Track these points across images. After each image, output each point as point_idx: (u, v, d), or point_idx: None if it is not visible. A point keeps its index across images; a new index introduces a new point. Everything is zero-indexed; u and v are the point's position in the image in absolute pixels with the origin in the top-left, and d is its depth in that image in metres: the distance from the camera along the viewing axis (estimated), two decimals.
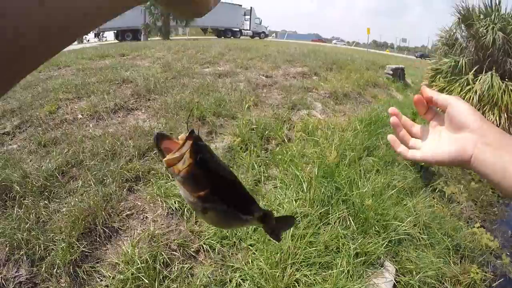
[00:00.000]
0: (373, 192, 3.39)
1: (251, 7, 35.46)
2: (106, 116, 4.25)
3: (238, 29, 34.88)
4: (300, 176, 3.35)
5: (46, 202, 2.77)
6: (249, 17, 35.83)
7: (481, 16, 6.97)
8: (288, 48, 12.60)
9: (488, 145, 0.54)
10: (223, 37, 31.02)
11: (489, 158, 0.53)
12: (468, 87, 6.87)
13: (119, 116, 4.36)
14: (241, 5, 35.26)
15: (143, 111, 4.57)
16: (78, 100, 4.73)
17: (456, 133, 0.58)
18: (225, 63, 7.78)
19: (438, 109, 0.65)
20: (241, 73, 6.92)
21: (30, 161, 3.33)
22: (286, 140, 4.21)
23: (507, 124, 7.21)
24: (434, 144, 0.62)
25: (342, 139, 4.31)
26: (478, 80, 6.66)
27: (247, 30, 36.16)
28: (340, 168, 3.62)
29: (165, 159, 0.40)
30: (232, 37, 31.52)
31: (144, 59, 7.85)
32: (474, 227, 3.96)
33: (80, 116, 4.25)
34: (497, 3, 8.25)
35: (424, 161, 0.65)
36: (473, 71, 6.86)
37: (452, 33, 7.80)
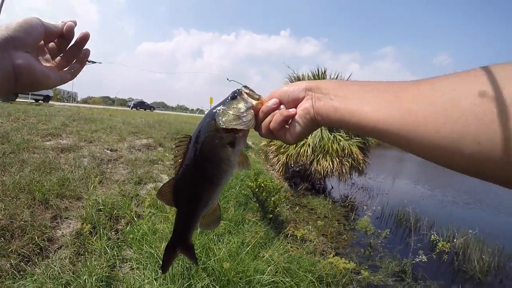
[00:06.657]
0: (229, 253, 3.58)
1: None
2: None
3: None
4: (155, 254, 3.30)
5: None
6: None
7: None
8: (134, 118, 12.62)
9: (332, 99, 0.57)
10: None
11: (330, 108, 0.56)
12: (302, 142, 8.43)
13: None
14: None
15: None
16: None
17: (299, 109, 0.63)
18: (68, 136, 7.20)
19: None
20: (85, 147, 6.55)
21: None
22: (136, 218, 4.12)
23: (340, 166, 9.23)
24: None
25: None
26: (310, 135, 8.18)
27: None
28: (194, 237, 3.67)
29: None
30: None
31: None
32: (329, 257, 4.57)
33: None
34: (323, 71, 10.88)
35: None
36: None
37: None
